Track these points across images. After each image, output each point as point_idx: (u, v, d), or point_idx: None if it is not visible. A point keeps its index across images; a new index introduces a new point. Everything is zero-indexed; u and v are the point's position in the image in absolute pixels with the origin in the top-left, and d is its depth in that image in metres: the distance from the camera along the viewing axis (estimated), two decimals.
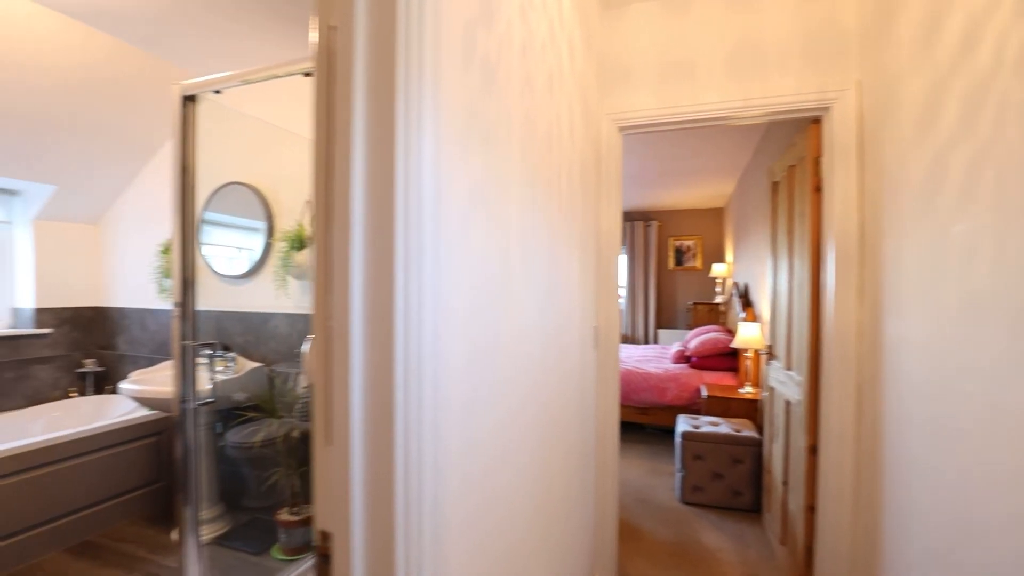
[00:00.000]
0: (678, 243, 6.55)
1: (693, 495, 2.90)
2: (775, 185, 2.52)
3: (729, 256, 5.67)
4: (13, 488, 2.32)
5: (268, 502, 2.66)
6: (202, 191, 2.97)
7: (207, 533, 2.56)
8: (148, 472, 2.84)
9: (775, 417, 2.43)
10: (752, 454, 2.78)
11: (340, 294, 0.57)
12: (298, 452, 2.46)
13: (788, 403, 2.22)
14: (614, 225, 2.11)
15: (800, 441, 2.01)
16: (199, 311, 2.97)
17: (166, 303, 3.05)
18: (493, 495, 0.85)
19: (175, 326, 1.71)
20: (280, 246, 2.56)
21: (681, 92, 1.98)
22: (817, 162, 1.90)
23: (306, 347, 1.48)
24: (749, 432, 2.87)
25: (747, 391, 3.33)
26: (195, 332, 1.73)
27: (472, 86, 0.75)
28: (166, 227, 3.06)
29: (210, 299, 2.89)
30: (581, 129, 1.75)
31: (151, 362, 3.11)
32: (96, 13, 2.17)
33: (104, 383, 3.32)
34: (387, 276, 0.57)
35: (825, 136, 1.85)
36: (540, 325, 1.16)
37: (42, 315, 3.11)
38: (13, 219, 3.10)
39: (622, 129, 2.09)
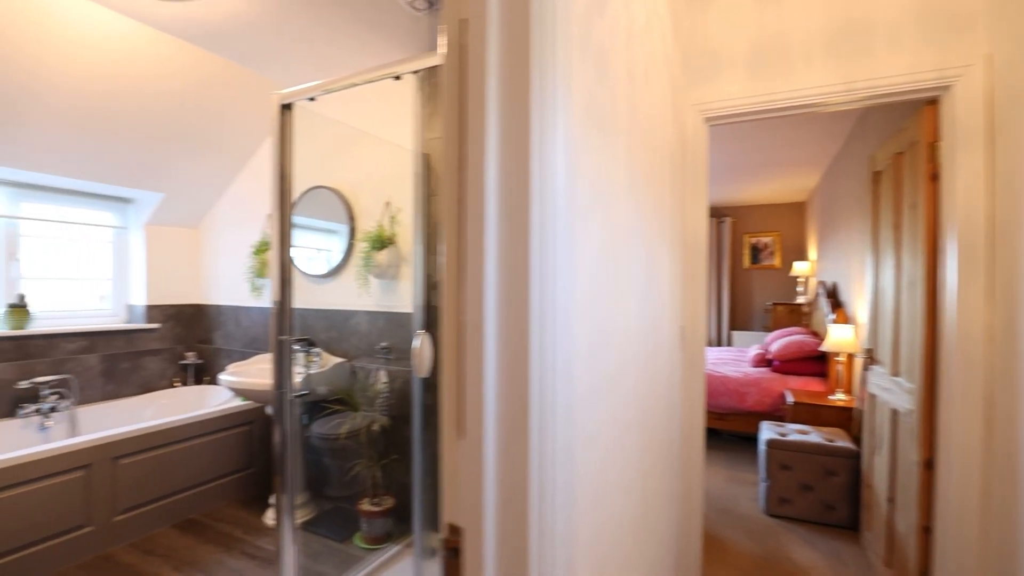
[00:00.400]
0: (754, 240, 6.22)
1: (779, 507, 2.74)
2: (877, 175, 2.32)
3: (812, 253, 5.31)
4: (135, 466, 2.55)
5: (349, 491, 2.77)
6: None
7: (296, 518, 2.70)
8: (241, 458, 3.04)
9: (877, 427, 2.23)
10: (848, 466, 2.58)
11: (474, 288, 0.57)
12: (378, 445, 2.55)
13: (895, 412, 2.03)
14: (700, 221, 2.03)
15: (911, 455, 1.84)
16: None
17: (257, 301, 3.26)
18: (603, 493, 0.83)
19: (273, 322, 1.80)
20: (361, 247, 2.66)
21: (774, 78, 1.86)
22: (933, 148, 1.73)
23: (417, 343, 1.52)
24: (843, 442, 2.67)
25: (839, 398, 3.10)
26: (291, 328, 1.82)
27: (589, 74, 0.73)
28: (257, 229, 3.27)
29: (297, 297, 3.05)
30: (669, 121, 1.69)
31: (244, 356, 3.33)
32: (201, 33, 2.35)
33: (203, 374, 3.59)
34: (522, 269, 0.56)
35: (944, 119, 1.68)
36: (639, 321, 1.12)
37: (152, 311, 3.42)
38: (128, 224, 3.42)
39: (708, 120, 2.00)
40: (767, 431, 2.89)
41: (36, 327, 2.91)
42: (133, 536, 2.55)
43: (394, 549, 2.41)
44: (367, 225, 2.73)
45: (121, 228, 3.40)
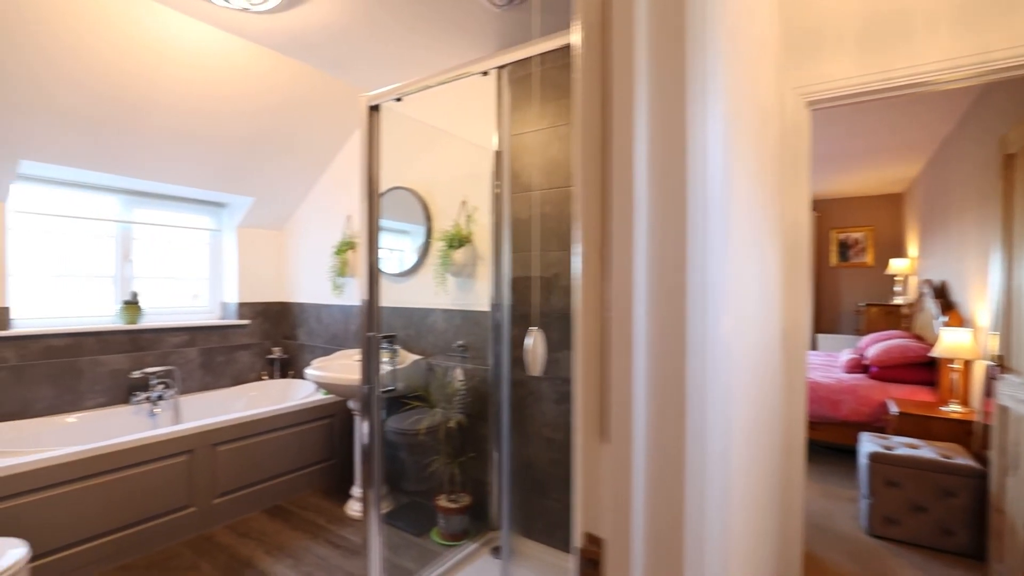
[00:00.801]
0: (843, 236, 5.77)
1: (885, 528, 2.49)
2: (1010, 158, 2.05)
3: (913, 250, 4.84)
4: (231, 453, 2.72)
5: (424, 486, 2.81)
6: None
7: (364, 510, 2.78)
8: (323, 449, 3.17)
9: (1011, 444, 1.97)
10: (970, 487, 2.30)
11: (621, 281, 0.52)
12: (455, 442, 2.56)
13: None
14: (802, 214, 1.87)
15: None
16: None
17: (338, 299, 3.39)
18: (738, 504, 0.76)
19: (362, 319, 1.84)
20: (438, 246, 2.69)
21: (888, 53, 1.68)
22: None
23: (529, 341, 1.50)
24: (963, 460, 2.39)
25: (954, 409, 2.79)
26: (378, 325, 1.86)
27: (728, 50, 0.67)
28: (338, 230, 3.40)
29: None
30: (769, 106, 1.56)
31: (325, 352, 3.47)
32: (290, 42, 2.45)
33: (287, 369, 3.78)
34: (677, 262, 0.51)
35: None
36: (755, 321, 1.03)
37: (243, 309, 3.64)
38: (222, 227, 3.67)
39: (810, 104, 1.85)
40: (869, 443, 2.65)
41: (146, 322, 3.17)
42: (229, 518, 2.71)
43: (471, 547, 2.42)
44: (443, 224, 2.76)
45: (216, 231, 3.64)
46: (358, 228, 3.26)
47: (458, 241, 2.57)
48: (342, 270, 3.24)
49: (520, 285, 2.42)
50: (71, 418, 2.80)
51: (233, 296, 3.63)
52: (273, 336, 3.81)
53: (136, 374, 3.02)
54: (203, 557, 2.39)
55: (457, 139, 2.69)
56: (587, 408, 0.56)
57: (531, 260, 2.39)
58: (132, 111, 2.54)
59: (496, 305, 2.46)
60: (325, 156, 3.43)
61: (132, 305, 3.11)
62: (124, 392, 3.04)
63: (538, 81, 2.40)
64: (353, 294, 3.30)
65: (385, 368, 2.75)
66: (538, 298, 2.37)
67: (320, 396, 3.20)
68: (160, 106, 2.59)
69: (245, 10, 2.13)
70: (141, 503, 2.38)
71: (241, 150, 3.08)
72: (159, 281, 3.39)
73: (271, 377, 3.74)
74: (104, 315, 3.11)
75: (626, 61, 0.52)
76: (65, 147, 2.56)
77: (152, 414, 3.04)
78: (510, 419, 2.34)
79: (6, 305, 2.66)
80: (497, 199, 2.48)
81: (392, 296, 3.04)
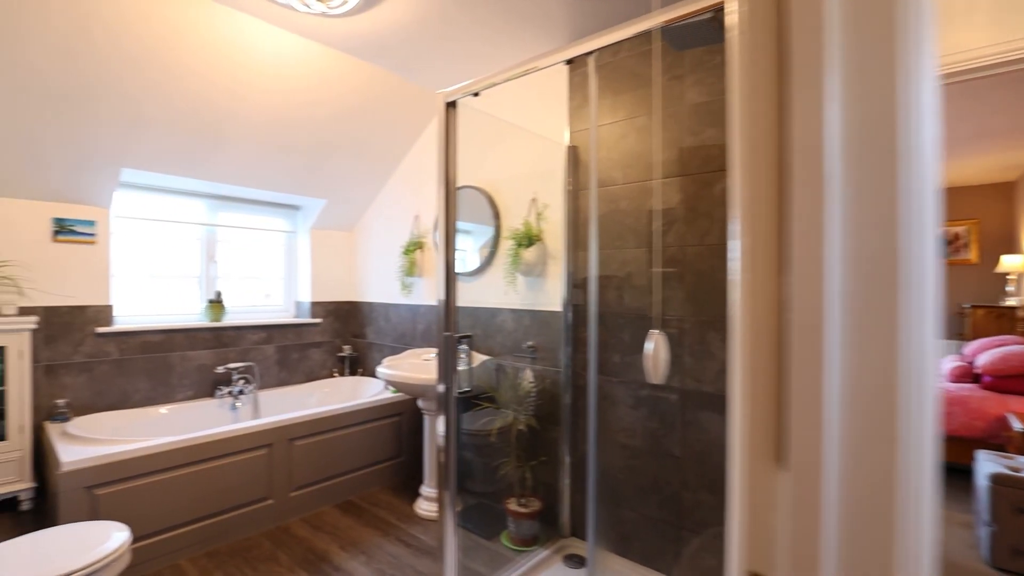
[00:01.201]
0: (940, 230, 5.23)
1: (1012, 560, 2.20)
2: None
3: None
4: (306, 448, 2.80)
5: (491, 488, 2.77)
6: (436, 196, 3.25)
7: (438, 512, 2.77)
8: (392, 447, 3.20)
9: None
10: None
11: (807, 279, 0.43)
12: (525, 445, 2.51)
13: None
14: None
15: None
16: (436, 306, 3.26)
17: (406, 298, 3.42)
18: None
19: (439, 319, 1.82)
20: (507, 244, 2.64)
21: None
22: None
23: (649, 345, 1.41)
24: None
25: None
26: (455, 325, 1.82)
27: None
28: (406, 230, 3.43)
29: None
30: None
31: (394, 350, 3.51)
32: (363, 46, 2.48)
33: (356, 366, 3.87)
34: (886, 251, 0.41)
35: None
36: None
37: (315, 307, 3.76)
38: (297, 229, 3.80)
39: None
40: (990, 464, 2.35)
41: (228, 320, 3.33)
42: (304, 511, 2.79)
43: (543, 553, 2.35)
44: (512, 223, 2.71)
45: (291, 232, 3.78)
46: (426, 228, 3.28)
47: (528, 240, 2.51)
48: (410, 270, 3.27)
49: (587, 285, 2.34)
50: (163, 409, 2.97)
51: (306, 295, 3.75)
52: (343, 334, 3.91)
53: (220, 369, 3.18)
54: (281, 548, 2.46)
55: (529, 135, 2.63)
56: (753, 427, 0.47)
57: (606, 258, 2.29)
58: (218, 119, 2.66)
59: (569, 305, 2.38)
60: (394, 158, 3.48)
61: (216, 304, 3.27)
62: (209, 386, 3.21)
63: (615, 71, 2.29)
64: (421, 294, 3.32)
65: (464, 368, 2.73)
66: (614, 297, 2.27)
67: (389, 394, 3.24)
68: (242, 113, 2.70)
69: (323, 15, 2.17)
70: (225, 493, 2.48)
71: (315, 154, 3.17)
72: (239, 281, 3.55)
73: (341, 374, 3.84)
74: (191, 313, 3.29)
75: (813, 11, 0.43)
76: (159, 155, 2.72)
77: (234, 408, 3.19)
78: (596, 423, 2.25)
79: (110, 303, 2.86)
80: (570, 195, 2.40)
81: (459, 296, 3.02)
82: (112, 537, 1.74)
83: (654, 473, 2.16)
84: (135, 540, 2.17)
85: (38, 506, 2.45)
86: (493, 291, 2.81)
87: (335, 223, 3.80)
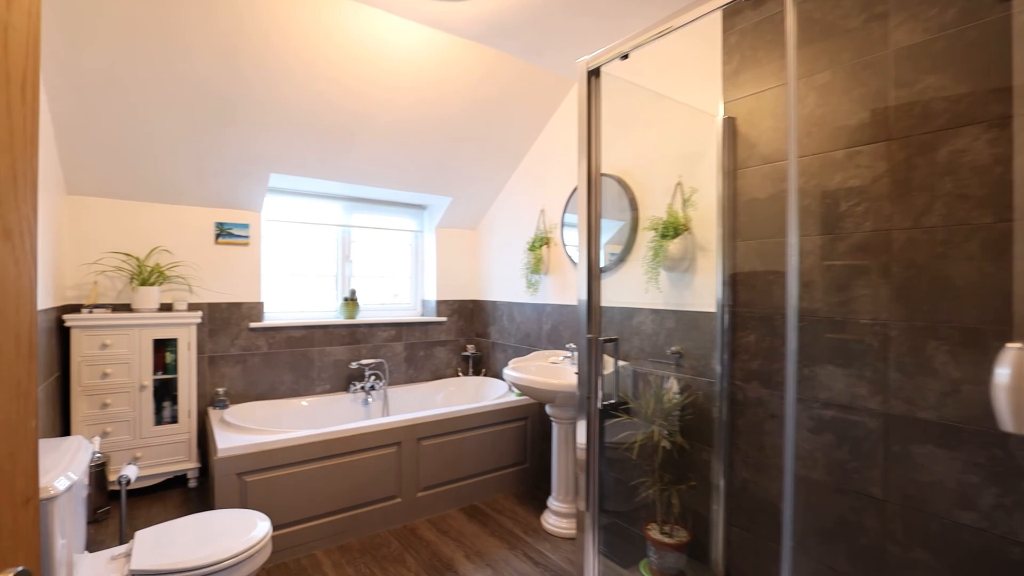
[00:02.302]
0: None
1: None
2: None
3: None
4: (433, 448, 2.74)
5: (626, 508, 2.48)
6: (562, 188, 3.04)
7: (566, 528, 2.55)
8: (517, 452, 3.05)
9: None
10: None
11: None
12: (671, 465, 2.19)
13: None
14: None
15: None
16: (563, 305, 3.06)
17: (531, 297, 3.25)
18: None
19: (581, 319, 1.60)
20: (647, 236, 2.34)
21: None
22: None
23: (1004, 372, 0.94)
24: None
25: None
26: (599, 326, 1.59)
27: None
28: (531, 226, 3.27)
29: (571, 294, 2.93)
30: None
31: (517, 351, 3.37)
32: (486, 31, 2.35)
33: (479, 366, 3.80)
34: None
35: None
36: None
37: (440, 306, 3.76)
38: (423, 228, 3.84)
39: None
40: None
41: (361, 317, 3.43)
42: (430, 512, 2.73)
43: None
44: (651, 212, 2.41)
45: (418, 232, 3.82)
46: (553, 222, 3.09)
47: (673, 230, 2.19)
48: (536, 266, 3.10)
49: (751, 281, 1.96)
50: (304, 401, 3.12)
51: (432, 294, 3.77)
52: (467, 333, 3.87)
53: (353, 365, 3.27)
54: (408, 550, 2.40)
55: (674, 110, 2.31)
56: None
57: (772, 248, 1.91)
58: (352, 119, 2.72)
59: (726, 305, 2.03)
60: (518, 151, 3.34)
61: (351, 301, 3.38)
62: (344, 381, 3.32)
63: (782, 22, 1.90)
64: (547, 292, 3.14)
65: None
66: (780, 295, 1.87)
67: (513, 397, 3.10)
68: (372, 114, 2.72)
69: None
70: (357, 489, 2.50)
71: (442, 151, 3.14)
72: (371, 280, 3.66)
73: (465, 374, 3.79)
74: (329, 310, 3.44)
75: None
76: (301, 159, 2.85)
77: (366, 403, 3.27)
78: (794, 450, 1.86)
79: (261, 300, 3.07)
80: (727, 176, 2.04)
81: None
82: (258, 526, 1.77)
83: (841, 515, 1.73)
84: (278, 527, 2.24)
85: (201, 485, 2.67)
86: (628, 289, 2.53)
87: (460, 221, 3.77)
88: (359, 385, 3.27)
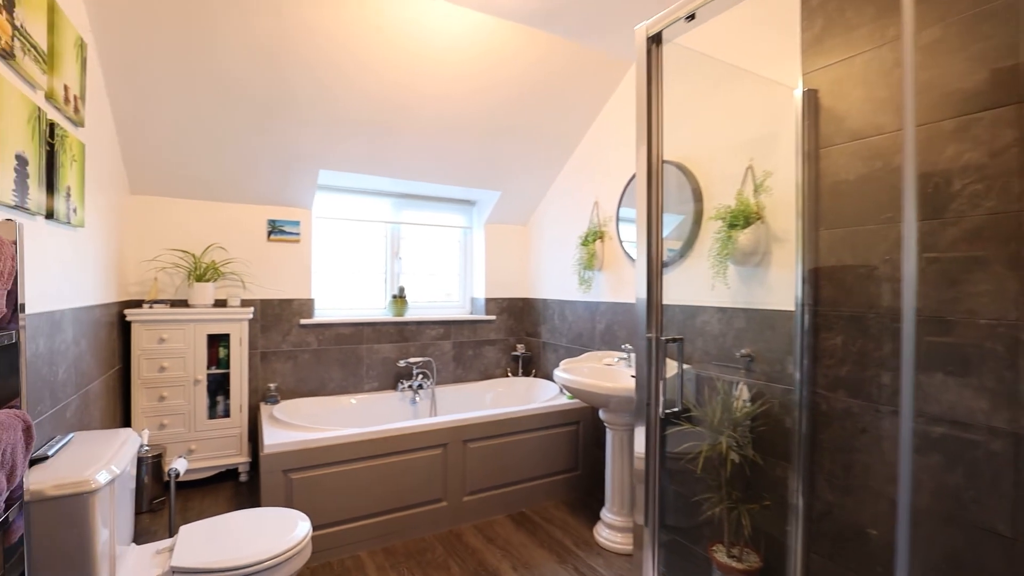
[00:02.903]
0: None
1: None
2: None
3: None
4: (480, 451, 2.63)
5: (687, 524, 2.27)
6: (617, 180, 2.84)
7: (621, 543, 2.36)
8: (568, 458, 2.89)
9: None
10: None
11: None
12: (740, 480, 1.96)
13: None
14: None
15: None
16: (618, 303, 2.87)
17: (584, 295, 3.08)
18: None
19: (640, 317, 1.43)
20: (714, 227, 2.12)
21: None
22: None
23: None
24: None
25: None
26: (660, 325, 1.41)
27: None
28: (583, 220, 3.10)
29: (627, 292, 2.74)
30: None
31: (569, 351, 3.21)
32: (535, 12, 2.21)
33: (529, 366, 3.67)
34: None
35: None
36: None
37: (489, 304, 3.65)
38: (472, 224, 3.75)
39: None
40: None
41: (409, 315, 3.38)
42: (476, 518, 2.62)
43: None
44: (718, 201, 2.18)
45: (467, 228, 3.74)
46: (607, 215, 2.90)
47: (744, 219, 1.96)
48: (589, 262, 2.92)
49: (838, 275, 1.71)
50: (353, 399, 3.10)
51: (481, 292, 3.67)
52: (516, 332, 3.75)
53: (401, 363, 3.23)
54: (452, 556, 2.30)
55: (745, 83, 2.08)
56: None
57: (865, 237, 1.65)
58: (398, 113, 2.65)
59: (807, 303, 1.78)
60: (571, 141, 3.18)
61: (399, 299, 3.34)
62: (392, 379, 3.28)
63: None
64: (601, 290, 2.96)
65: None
66: (876, 294, 1.61)
67: (564, 399, 2.94)
68: (419, 106, 2.65)
69: None
70: (403, 490, 2.42)
71: (491, 144, 3.03)
72: (419, 277, 3.61)
73: (514, 374, 3.67)
74: (377, 308, 3.42)
75: None
76: (350, 155, 2.82)
77: (414, 402, 3.21)
78: (911, 473, 1.63)
79: (311, 297, 3.08)
80: (807, 157, 1.80)
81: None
82: (298, 527, 1.72)
83: (953, 551, 1.46)
84: (323, 527, 2.20)
85: (251, 479, 2.69)
86: (690, 286, 2.31)
87: (509, 216, 3.65)
88: (407, 383, 3.22)
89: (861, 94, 1.68)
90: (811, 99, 1.82)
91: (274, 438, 2.23)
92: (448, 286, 3.76)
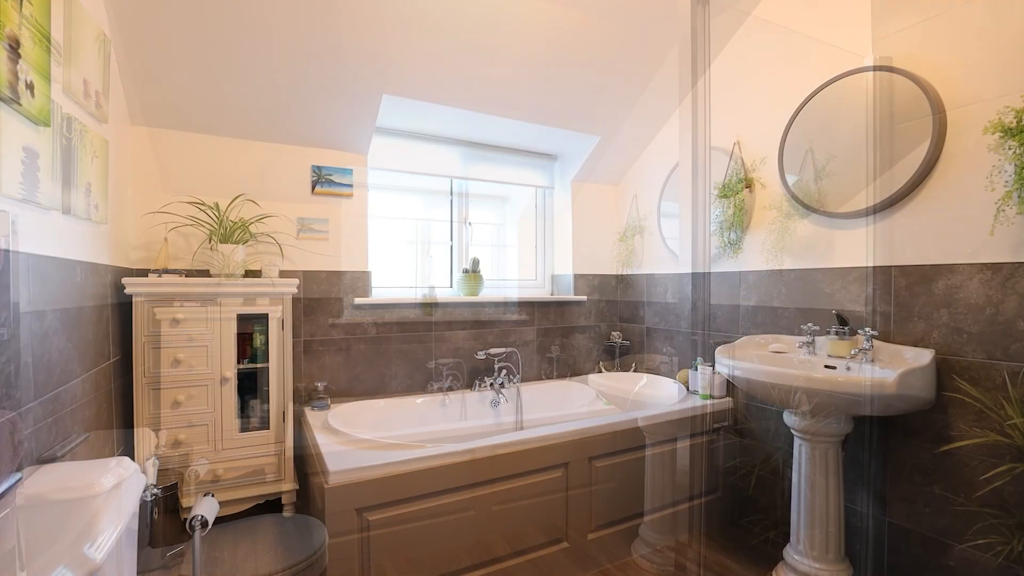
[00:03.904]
0: None
1: None
2: None
3: None
4: (607, 470, 1.95)
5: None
6: (773, 112, 2.12)
7: None
8: (708, 476, 2.19)
9: None
10: None
11: None
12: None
13: None
14: None
15: None
16: (781, 270, 2.16)
17: (730, 263, 2.35)
18: None
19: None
20: (964, 144, 1.41)
21: None
22: None
23: None
24: None
25: None
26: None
27: None
28: (719, 167, 2.38)
29: (801, 253, 2.03)
30: None
31: (688, 338, 2.50)
32: None
33: (627, 358, 2.95)
34: None
35: None
36: None
37: (578, 282, 2.94)
38: (554, 184, 3.03)
39: None
40: None
41: (483, 295, 2.67)
42: (604, 562, 1.92)
43: None
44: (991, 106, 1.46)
45: (547, 188, 3.02)
46: (759, 156, 2.17)
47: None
48: (738, 219, 2.20)
49: None
50: (419, 400, 2.40)
51: (566, 267, 2.96)
52: (609, 318, 3.03)
53: (480, 355, 2.52)
54: None
55: (809, 48, 1.37)
56: None
57: None
58: (492, 24, 1.95)
59: None
60: (684, 83, 2.46)
61: (473, 274, 2.63)
62: (466, 375, 2.57)
63: None
64: (750, 255, 2.22)
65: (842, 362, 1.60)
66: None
67: (699, 400, 2.23)
68: (508, 23, 1.94)
69: None
70: (512, 530, 1.73)
71: (591, 75, 2.31)
72: (489, 249, 2.91)
73: (609, 369, 2.96)
74: (441, 285, 2.72)
75: None
76: (420, 77, 2.11)
77: (495, 404, 2.50)
78: None
79: (367, 269, 2.38)
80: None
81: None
82: None
83: None
84: None
85: (299, 512, 1.98)
86: (932, 236, 1.60)
87: (601, 174, 2.94)
88: (488, 380, 2.51)
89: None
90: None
91: (340, 463, 1.52)
92: (524, 260, 3.05)
